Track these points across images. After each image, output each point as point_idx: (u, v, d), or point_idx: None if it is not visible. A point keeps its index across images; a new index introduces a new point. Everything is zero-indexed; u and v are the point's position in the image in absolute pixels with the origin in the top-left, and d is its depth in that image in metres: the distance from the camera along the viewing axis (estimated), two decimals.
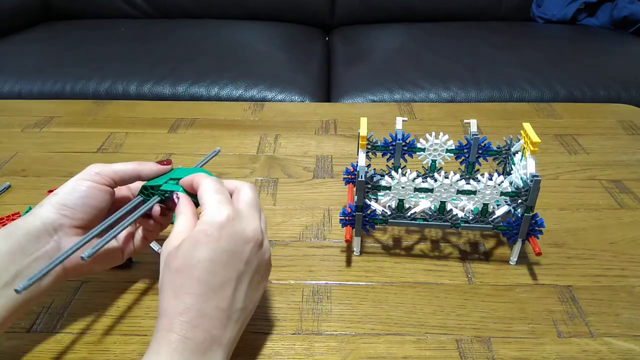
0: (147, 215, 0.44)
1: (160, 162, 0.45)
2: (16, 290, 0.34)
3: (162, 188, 0.43)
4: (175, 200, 0.42)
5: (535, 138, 0.46)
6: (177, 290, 0.35)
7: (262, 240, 0.39)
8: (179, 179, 0.43)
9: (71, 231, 0.41)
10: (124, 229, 0.40)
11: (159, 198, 0.43)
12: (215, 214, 0.37)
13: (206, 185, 0.39)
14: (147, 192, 0.44)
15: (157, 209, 0.43)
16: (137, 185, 0.47)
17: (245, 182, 0.42)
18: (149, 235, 0.46)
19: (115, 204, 0.45)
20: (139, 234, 0.46)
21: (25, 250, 0.38)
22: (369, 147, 0.54)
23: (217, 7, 1.58)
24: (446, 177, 0.46)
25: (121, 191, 0.46)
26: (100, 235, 0.40)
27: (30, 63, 1.22)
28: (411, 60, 1.26)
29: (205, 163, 0.50)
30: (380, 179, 0.47)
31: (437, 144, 0.54)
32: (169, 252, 0.36)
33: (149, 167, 0.44)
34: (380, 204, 0.50)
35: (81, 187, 0.41)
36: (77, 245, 0.38)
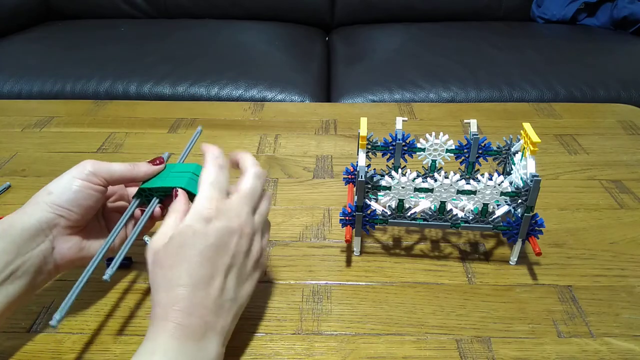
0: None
1: (152, 162, 0.46)
2: (52, 326, 0.35)
3: (162, 185, 0.44)
4: (174, 196, 0.43)
5: (535, 138, 0.46)
6: (168, 284, 0.36)
7: (250, 232, 0.40)
8: (178, 174, 0.45)
9: (65, 230, 0.41)
10: (136, 237, 0.42)
11: (158, 200, 0.45)
12: (202, 209, 0.38)
13: (205, 174, 0.40)
14: (144, 193, 0.45)
15: (157, 210, 0.45)
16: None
17: (253, 168, 0.42)
18: (143, 230, 0.47)
19: (106, 201, 0.46)
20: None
21: (20, 250, 0.38)
22: (369, 147, 0.54)
23: (217, 7, 1.58)
24: (446, 177, 0.46)
25: (111, 188, 0.46)
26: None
27: (30, 63, 1.22)
28: (411, 60, 1.26)
29: (192, 145, 0.51)
30: (380, 179, 0.47)
31: (437, 144, 0.54)
32: (157, 250, 0.37)
33: (143, 169, 0.45)
34: (380, 204, 0.50)
35: (74, 186, 0.41)
36: (100, 254, 0.41)
